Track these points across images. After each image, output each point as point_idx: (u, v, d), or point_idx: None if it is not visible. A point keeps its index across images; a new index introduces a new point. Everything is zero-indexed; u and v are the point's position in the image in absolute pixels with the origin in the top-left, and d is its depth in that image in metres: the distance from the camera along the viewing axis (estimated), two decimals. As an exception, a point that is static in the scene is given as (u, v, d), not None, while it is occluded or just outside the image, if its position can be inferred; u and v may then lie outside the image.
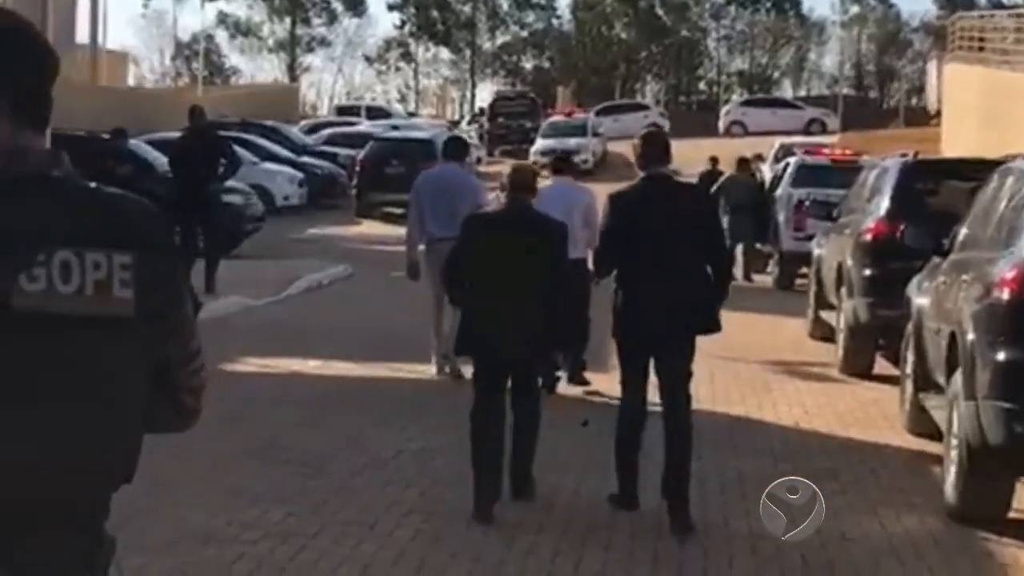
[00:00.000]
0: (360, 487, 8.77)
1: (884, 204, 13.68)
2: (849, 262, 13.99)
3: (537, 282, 7.96)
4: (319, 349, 14.48)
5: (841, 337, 14.17)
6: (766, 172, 30.82)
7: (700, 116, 66.93)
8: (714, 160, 27.86)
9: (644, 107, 61.86)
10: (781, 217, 23.26)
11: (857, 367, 13.93)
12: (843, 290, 14.12)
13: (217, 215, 18.57)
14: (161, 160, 22.17)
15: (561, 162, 13.73)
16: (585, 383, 12.41)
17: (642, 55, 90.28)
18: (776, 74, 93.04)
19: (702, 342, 8.31)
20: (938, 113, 61.25)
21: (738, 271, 24.88)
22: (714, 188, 23.39)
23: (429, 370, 12.91)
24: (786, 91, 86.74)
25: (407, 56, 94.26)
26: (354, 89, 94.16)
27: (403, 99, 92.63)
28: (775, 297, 22.29)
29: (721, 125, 61.75)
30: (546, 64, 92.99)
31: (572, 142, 42.71)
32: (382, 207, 34.88)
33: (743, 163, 27.17)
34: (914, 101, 78.02)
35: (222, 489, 8.54)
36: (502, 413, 8.09)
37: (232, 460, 9.29)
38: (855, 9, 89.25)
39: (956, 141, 38.21)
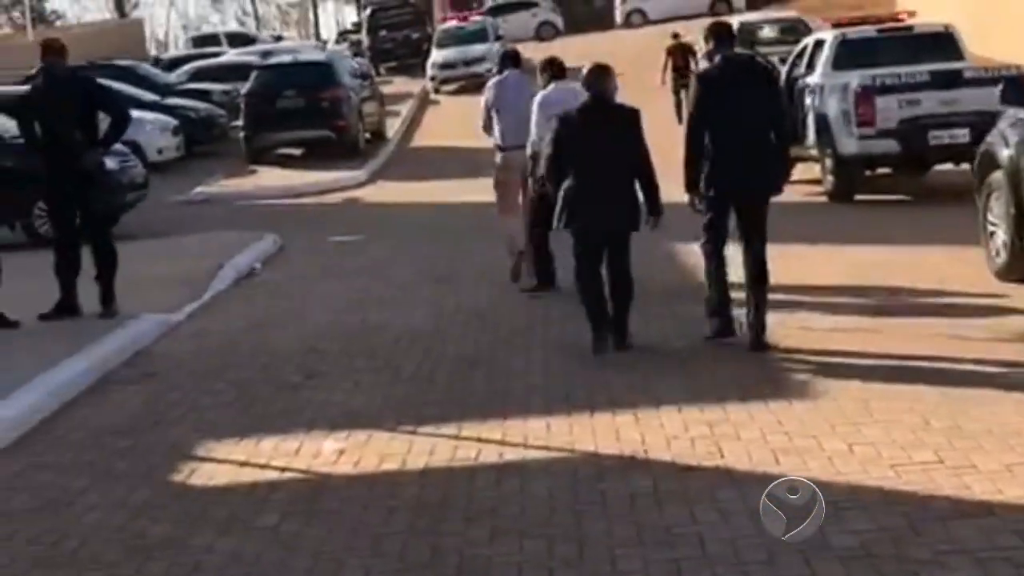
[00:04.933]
0: None
1: None
2: None
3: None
4: (324, 403, 8.73)
5: None
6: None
7: (590, 8, 60.84)
8: (676, 36, 22.08)
9: (533, 4, 55.67)
10: (832, 112, 17.76)
11: None
12: None
13: (104, 193, 12.62)
14: (6, 125, 16.01)
15: (554, 65, 11.95)
16: None
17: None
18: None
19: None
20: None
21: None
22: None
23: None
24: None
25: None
26: (190, 22, 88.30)
27: (243, 26, 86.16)
28: (850, 216, 16.82)
29: (619, 15, 55.75)
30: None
31: (477, 49, 36.72)
32: (277, 149, 28.81)
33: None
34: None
35: None
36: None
37: None
38: None
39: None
